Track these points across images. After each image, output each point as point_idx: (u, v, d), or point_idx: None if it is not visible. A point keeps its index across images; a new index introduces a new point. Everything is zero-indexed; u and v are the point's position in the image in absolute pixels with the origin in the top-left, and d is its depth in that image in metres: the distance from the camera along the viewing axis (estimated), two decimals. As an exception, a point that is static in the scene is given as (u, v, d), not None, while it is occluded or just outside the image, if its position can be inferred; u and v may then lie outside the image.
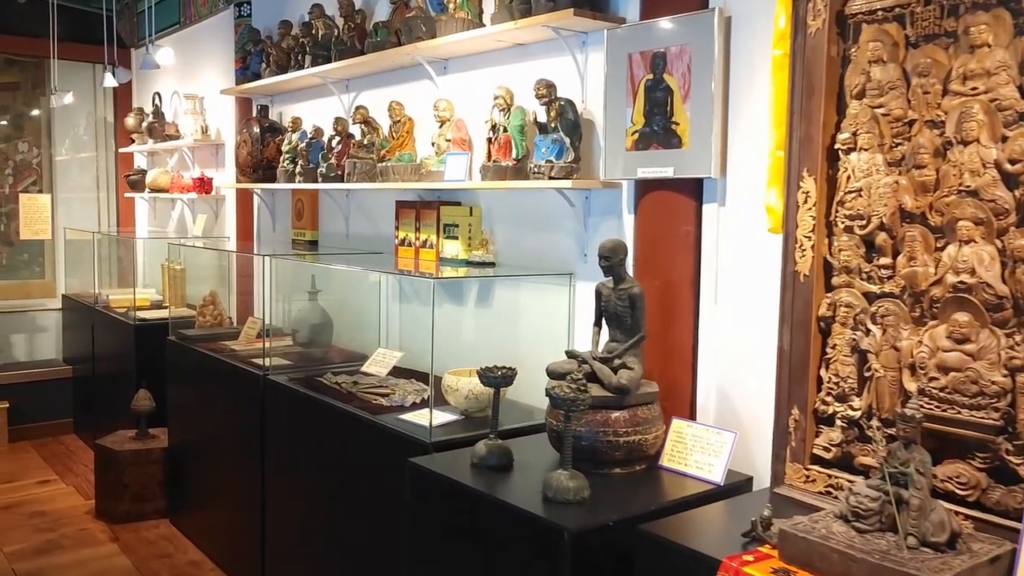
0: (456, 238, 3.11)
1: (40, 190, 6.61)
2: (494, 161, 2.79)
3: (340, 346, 3.77)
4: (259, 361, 3.56)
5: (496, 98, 2.81)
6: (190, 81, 5.47)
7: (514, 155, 2.76)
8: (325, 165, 3.70)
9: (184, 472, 4.16)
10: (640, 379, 2.21)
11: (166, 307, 5.26)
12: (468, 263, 3.05)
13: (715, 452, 2.14)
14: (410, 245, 3.33)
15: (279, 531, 3.30)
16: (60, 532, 4.17)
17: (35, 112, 6.57)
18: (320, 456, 2.98)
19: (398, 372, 3.20)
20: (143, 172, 6.08)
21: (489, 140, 2.84)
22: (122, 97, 6.54)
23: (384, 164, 3.35)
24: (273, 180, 4.32)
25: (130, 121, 6.02)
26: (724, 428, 2.17)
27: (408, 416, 2.71)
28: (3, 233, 6.57)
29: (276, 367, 3.46)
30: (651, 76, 2.37)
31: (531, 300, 2.94)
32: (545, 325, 2.86)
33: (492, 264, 3.01)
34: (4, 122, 6.46)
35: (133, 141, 6.07)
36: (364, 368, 3.40)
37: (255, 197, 4.74)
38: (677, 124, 2.31)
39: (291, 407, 3.18)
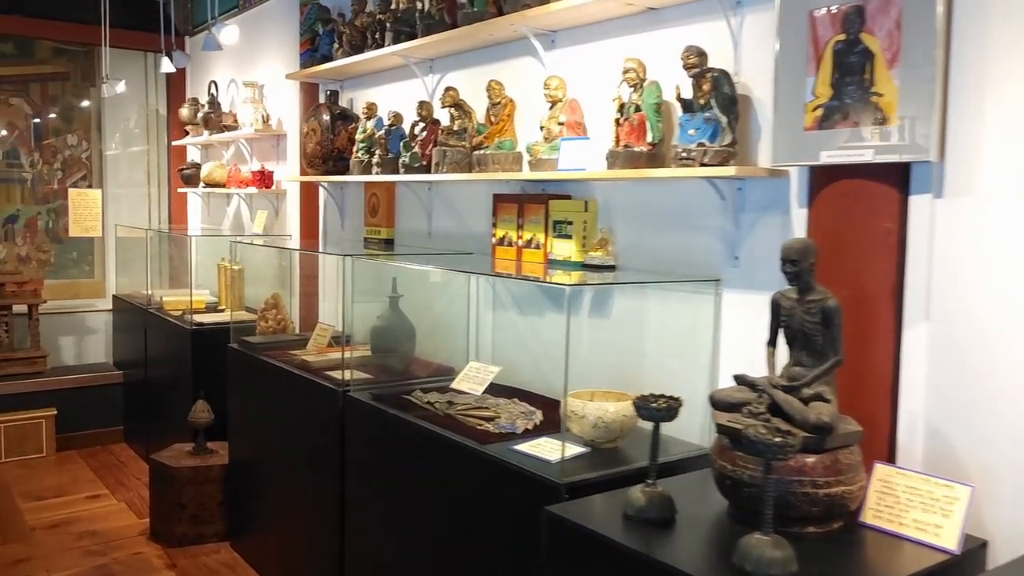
0: (569, 237, 2.68)
1: (90, 185, 6.33)
2: (625, 146, 2.35)
3: (423, 357, 3.36)
4: (335, 374, 3.17)
5: (626, 72, 2.38)
6: (249, 68, 5.11)
7: (649, 139, 2.33)
8: (408, 155, 3.30)
9: (246, 492, 3.79)
10: (837, 414, 1.76)
11: (222, 309, 4.92)
12: (584, 266, 2.62)
13: (943, 510, 1.68)
14: (511, 245, 2.91)
15: (360, 565, 2.90)
16: (112, 556, 3.82)
17: (84, 104, 6.28)
18: (415, 487, 2.57)
19: (493, 390, 2.79)
20: (197, 166, 5.75)
21: (617, 122, 2.41)
22: (175, 87, 6.23)
23: (480, 152, 2.93)
24: (344, 172, 3.93)
25: (184, 112, 5.69)
26: (954, 480, 1.71)
27: (524, 447, 2.29)
28: (51, 230, 6.30)
29: (356, 381, 3.06)
30: (843, 37, 1.91)
31: (663, 311, 2.50)
32: (683, 341, 2.42)
33: (612, 268, 2.58)
34: (52, 115, 6.18)
35: (187, 133, 5.75)
36: (455, 384, 3.00)
37: (321, 192, 4.36)
38: (880, 95, 1.85)
39: (377, 429, 2.77)
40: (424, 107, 3.32)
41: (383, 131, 3.51)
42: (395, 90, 3.74)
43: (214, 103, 5.37)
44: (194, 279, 5.97)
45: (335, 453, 2.98)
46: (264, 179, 4.72)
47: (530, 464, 2.16)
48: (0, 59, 6.03)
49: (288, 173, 4.71)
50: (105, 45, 5.32)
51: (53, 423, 5.30)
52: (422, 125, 3.33)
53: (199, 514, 3.95)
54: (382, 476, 2.75)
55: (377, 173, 3.50)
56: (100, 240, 6.31)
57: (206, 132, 5.37)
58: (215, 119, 5.31)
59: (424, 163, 3.28)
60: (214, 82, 5.40)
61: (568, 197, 2.77)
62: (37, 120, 6.14)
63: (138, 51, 6.20)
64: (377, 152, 3.53)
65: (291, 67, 4.52)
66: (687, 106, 2.22)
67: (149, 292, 5.34)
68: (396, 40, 3.35)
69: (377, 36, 3.55)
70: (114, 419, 5.61)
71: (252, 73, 5.05)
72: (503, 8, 2.79)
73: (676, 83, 2.25)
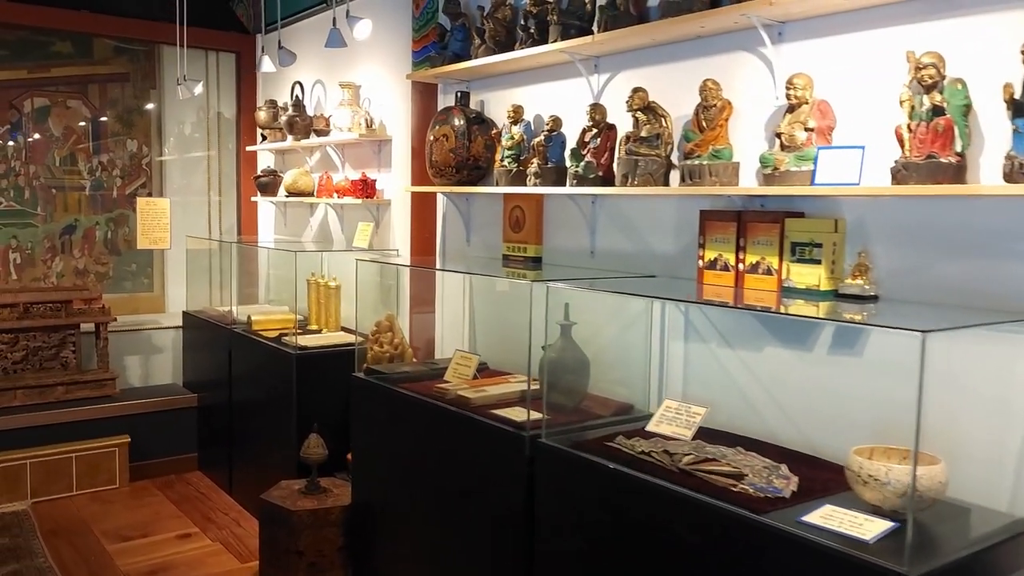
0: (816, 262, 2.29)
1: (150, 193, 5.95)
2: (928, 156, 1.97)
3: (598, 394, 2.97)
4: (506, 413, 2.79)
5: (922, 68, 2.00)
6: (339, 68, 4.72)
7: (958, 148, 1.95)
8: (581, 165, 2.92)
9: (373, 539, 3.40)
10: None
11: (314, 330, 4.53)
12: (837, 296, 2.24)
13: None
14: (726, 269, 2.53)
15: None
16: (226, 610, 3.44)
17: (145, 107, 5.90)
18: (652, 562, 2.18)
19: (700, 434, 2.42)
20: (275, 173, 5.37)
21: (909, 128, 2.03)
22: (246, 89, 5.84)
23: (692, 162, 2.55)
24: (477, 182, 3.56)
25: (262, 115, 5.31)
26: None
27: (814, 518, 1.90)
28: (110, 241, 5.92)
29: (534, 422, 2.68)
30: None
31: (956, 353, 2.10)
32: (986, 393, 2.04)
33: (874, 298, 2.20)
34: (112, 118, 5.80)
35: (265, 138, 5.36)
36: (651, 427, 2.63)
37: (440, 203, 3.98)
38: None
39: (586, 484, 2.38)
40: (597, 110, 2.94)
41: (541, 137, 3.13)
42: (543, 91, 3.35)
43: (299, 106, 4.98)
44: (263, 294, 5.63)
45: (518, 508, 2.59)
46: (367, 188, 4.33)
47: (827, 541, 1.78)
48: (58, 59, 5.66)
49: (392, 182, 4.33)
50: (182, 45, 4.93)
51: (127, 451, 4.90)
52: (594, 131, 2.95)
53: (317, 561, 3.56)
54: (599, 545, 2.36)
55: (536, 184, 3.12)
56: (159, 252, 5.94)
57: (290, 137, 4.99)
58: (301, 123, 4.93)
59: (600, 174, 2.90)
60: (299, 83, 5.01)
61: (801, 214, 2.39)
62: (95, 124, 5.76)
63: (199, 50, 5.82)
64: (534, 161, 3.15)
65: (397, 66, 4.15)
66: (1020, 109, 1.84)
67: (233, 309, 4.94)
68: (566, 35, 2.96)
69: (532, 30, 3.16)
70: (187, 446, 5.22)
71: (345, 73, 4.66)
72: (726, -3, 2.40)
73: (1006, 81, 1.87)
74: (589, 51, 3.00)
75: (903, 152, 2.03)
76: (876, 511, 1.92)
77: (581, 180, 2.91)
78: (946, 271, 2.11)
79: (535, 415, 2.73)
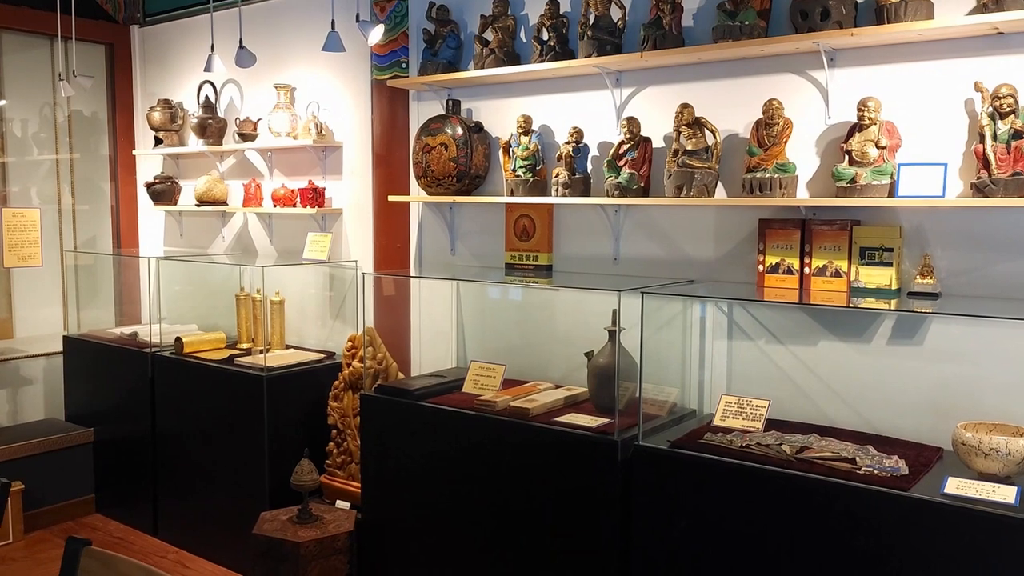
0: (888, 264, 2.60)
1: (-6, 201, 5.15)
2: (1014, 174, 2.32)
3: (648, 396, 3.08)
4: (569, 420, 2.84)
5: (1000, 98, 2.36)
6: (260, 69, 4.35)
7: (1038, 166, 2.32)
8: (624, 176, 3.03)
9: (389, 562, 3.28)
10: None
11: (245, 349, 4.23)
12: (910, 295, 2.56)
13: None
14: (790, 272, 2.77)
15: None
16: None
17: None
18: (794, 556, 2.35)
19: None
20: (171, 180, 4.89)
21: (993, 150, 2.37)
22: (121, 86, 5.23)
23: (756, 175, 2.75)
24: (473, 191, 3.55)
25: (157, 116, 4.81)
26: None
27: (948, 488, 2.18)
28: (-57, 260, 5.05)
29: (622, 428, 2.76)
30: None
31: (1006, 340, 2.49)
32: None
33: (939, 295, 2.54)
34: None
35: (160, 141, 4.86)
36: (717, 421, 2.82)
37: (415, 213, 3.88)
38: None
39: (699, 485, 2.50)
40: (633, 123, 3.06)
41: (570, 148, 3.19)
42: (552, 102, 3.41)
43: (210, 107, 4.59)
44: (150, 311, 5.11)
45: (610, 514, 2.66)
46: (316, 197, 4.11)
47: (992, 508, 2.07)
48: None
49: (344, 190, 4.15)
50: (67, 36, 4.35)
51: (19, 500, 4.25)
52: (630, 144, 3.07)
53: (326, 594, 3.37)
54: (719, 543, 2.49)
55: (563, 194, 3.18)
56: (5, 272, 5.17)
57: (200, 141, 4.59)
58: (215, 126, 4.55)
59: (642, 185, 3.03)
60: (210, 83, 4.61)
61: (858, 223, 2.69)
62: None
63: (41, 37, 5.13)
64: (561, 171, 3.20)
65: (346, 69, 4.00)
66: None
67: (158, 331, 4.43)
68: (601, 51, 3.05)
69: (552, 43, 3.22)
70: (83, 487, 4.62)
71: (271, 75, 4.36)
72: (796, 25, 2.64)
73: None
74: (617, 66, 3.12)
75: (987, 170, 2.37)
76: (993, 479, 2.23)
77: (626, 192, 3.02)
78: (1002, 270, 2.49)
79: (602, 420, 2.82)
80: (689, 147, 2.91)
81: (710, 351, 3.04)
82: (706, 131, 2.92)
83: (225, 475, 3.90)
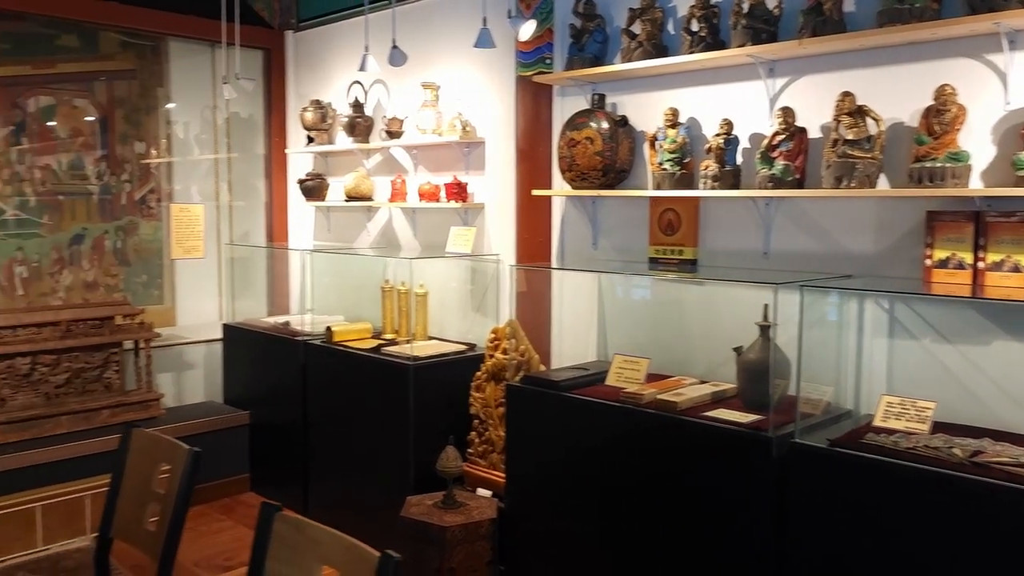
0: (1075, 259, 2.42)
1: (159, 199, 5.55)
2: None
3: (792, 393, 3.01)
4: (719, 415, 2.79)
5: None
6: (408, 69, 4.50)
7: None
8: (779, 168, 2.96)
9: (529, 553, 3.33)
10: None
11: (390, 339, 4.38)
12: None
13: None
14: (961, 267, 2.63)
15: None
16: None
17: (153, 106, 5.49)
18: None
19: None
20: (320, 177, 5.13)
21: None
22: (276, 89, 5.53)
23: (926, 165, 2.63)
24: (617, 185, 3.54)
25: (309, 116, 5.05)
26: None
27: None
28: (119, 251, 5.48)
29: (775, 425, 2.70)
30: None
31: None
32: None
33: None
34: (111, 118, 5.38)
35: (312, 140, 5.11)
36: (877, 422, 2.70)
37: (558, 207, 3.92)
38: None
39: (860, 485, 2.41)
40: (788, 114, 2.98)
41: (720, 140, 3.14)
42: (701, 94, 3.36)
43: (358, 106, 4.79)
44: (303, 302, 5.37)
45: (763, 511, 2.60)
46: (460, 192, 4.21)
47: None
48: (63, 53, 5.19)
49: (486, 185, 4.23)
50: (231, 43, 4.64)
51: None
52: (785, 135, 2.99)
53: (469, 578, 3.45)
54: (881, 545, 2.40)
55: (712, 187, 3.13)
56: (170, 263, 5.56)
57: (350, 139, 4.79)
58: (363, 124, 4.74)
59: (797, 176, 2.95)
60: (359, 83, 4.81)
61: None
62: (103, 124, 5.32)
63: (203, 43, 5.48)
64: (710, 164, 3.16)
65: (490, 66, 4.08)
66: None
67: (310, 321, 4.67)
68: (756, 39, 2.99)
69: (703, 33, 3.18)
70: (239, 466, 4.92)
71: (407, 74, 4.49)
72: (975, 6, 2.50)
73: None
74: (773, 55, 3.04)
75: None
76: None
77: (780, 183, 2.94)
78: None
79: (753, 416, 2.76)
80: (850, 136, 2.81)
81: (869, 349, 2.92)
82: (868, 120, 2.81)
83: (371, 458, 4.05)
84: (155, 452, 2.45)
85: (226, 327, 5.14)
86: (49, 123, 5.06)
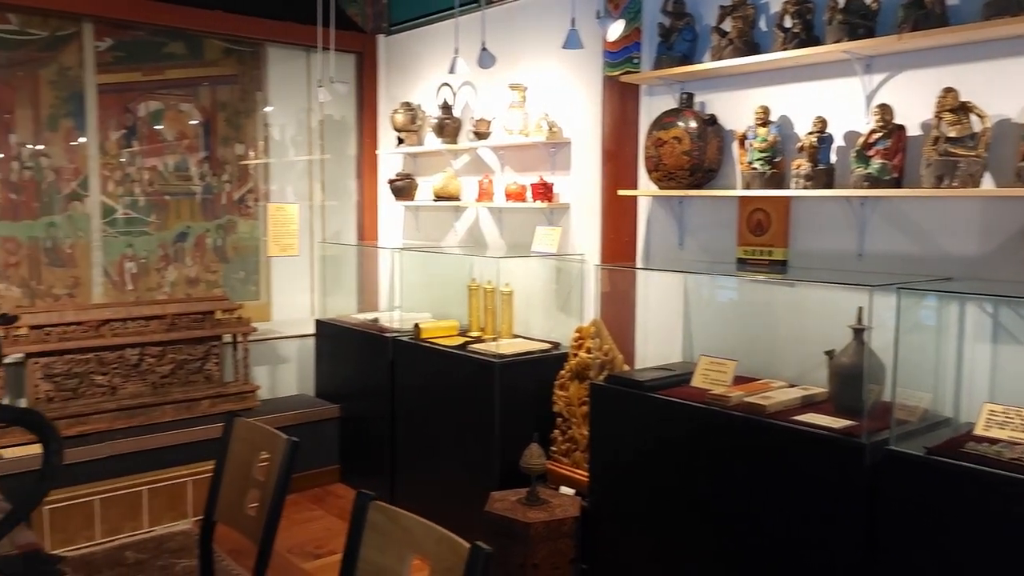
0: None
1: (256, 199, 5.77)
2: None
3: (887, 399, 2.92)
4: (809, 419, 2.74)
5: None
6: (496, 70, 4.55)
7: None
8: (876, 166, 2.88)
9: (611, 551, 3.33)
10: None
11: (476, 337, 4.44)
12: None
13: None
14: (1073, 270, 2.51)
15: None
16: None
17: (252, 109, 5.71)
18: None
19: None
20: (409, 177, 5.25)
21: None
22: (367, 92, 5.69)
23: (1034, 163, 2.52)
24: (705, 184, 3.50)
25: (399, 118, 5.18)
26: None
27: None
28: (219, 248, 5.73)
29: (840, 429, 2.63)
30: None
31: None
32: None
33: None
34: (213, 122, 5.61)
35: (402, 141, 5.23)
36: (979, 430, 2.60)
37: (643, 207, 3.91)
38: None
39: (958, 497, 2.34)
40: (886, 111, 2.90)
41: (813, 138, 3.08)
42: (792, 91, 3.30)
43: (447, 108, 4.88)
44: (392, 299, 5.49)
45: (852, 519, 2.54)
46: (546, 192, 4.24)
47: None
48: (170, 60, 5.46)
49: (571, 185, 4.25)
50: (326, 47, 4.79)
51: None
52: (882, 132, 2.91)
53: (552, 574, 3.48)
54: (985, 560, 2.32)
55: (804, 187, 3.07)
56: (265, 260, 5.77)
57: (439, 140, 4.88)
58: (451, 125, 4.83)
59: (895, 175, 2.87)
60: (448, 85, 4.90)
61: None
62: (206, 127, 5.57)
63: (298, 48, 5.66)
64: (801, 163, 3.10)
65: (578, 68, 4.10)
66: None
67: (398, 317, 4.80)
68: (853, 35, 2.92)
69: (797, 30, 3.12)
70: (329, 458, 5.09)
71: (494, 75, 4.54)
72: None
73: None
74: (871, 51, 2.96)
75: None
76: None
77: (876, 183, 2.86)
78: None
79: (845, 421, 2.70)
80: (952, 134, 2.72)
81: (970, 355, 2.82)
82: (972, 116, 2.71)
83: (456, 453, 4.13)
84: (255, 440, 2.56)
85: (318, 323, 5.32)
86: (157, 127, 5.32)
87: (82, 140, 4.98)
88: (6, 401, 4.29)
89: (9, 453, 3.95)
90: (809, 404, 3.01)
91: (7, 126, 4.74)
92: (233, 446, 2.62)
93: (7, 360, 4.29)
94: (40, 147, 4.82)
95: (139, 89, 5.33)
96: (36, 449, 3.95)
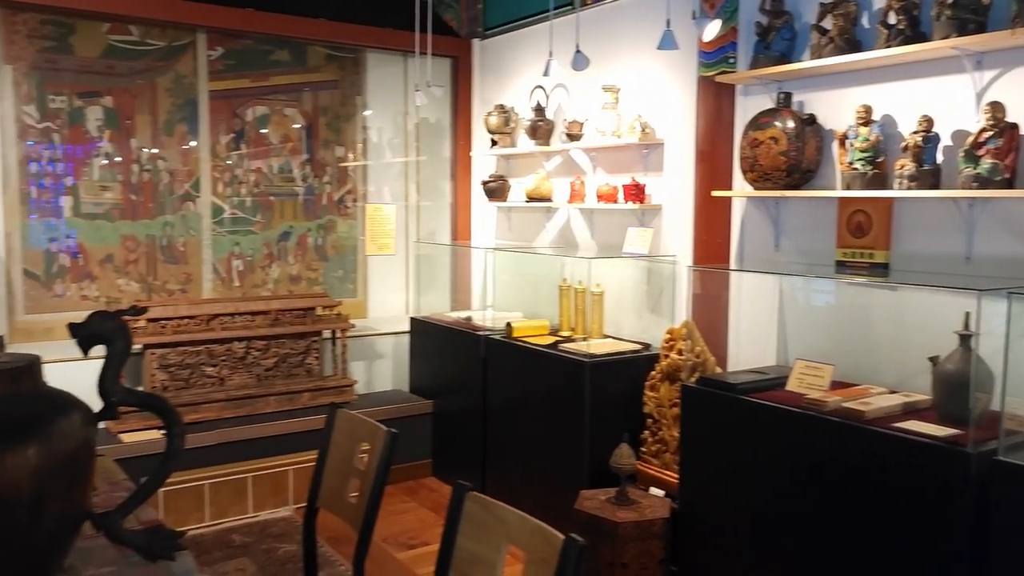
0: None
1: (355, 199, 5.96)
2: None
3: (994, 408, 2.82)
4: (910, 427, 2.66)
5: None
6: (590, 71, 4.57)
7: None
8: (986, 167, 2.78)
9: (700, 555, 3.31)
10: None
11: (566, 336, 4.47)
12: None
13: None
14: None
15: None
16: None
17: (352, 113, 5.90)
18: None
19: None
20: (502, 178, 5.33)
21: None
22: (462, 95, 5.81)
23: None
24: (802, 185, 3.44)
25: (493, 120, 5.26)
26: None
27: None
28: (319, 247, 5.94)
29: (944, 438, 2.55)
30: None
31: None
32: None
33: None
34: (315, 125, 5.82)
35: (495, 143, 5.32)
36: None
37: (737, 208, 3.87)
38: None
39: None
40: (998, 109, 2.80)
41: (919, 138, 2.99)
42: (894, 89, 3.22)
43: (540, 110, 4.94)
44: (485, 298, 5.58)
45: (959, 530, 2.46)
46: (639, 193, 4.25)
47: None
48: (276, 67, 5.70)
49: (664, 186, 4.24)
50: (424, 52, 4.92)
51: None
52: (993, 131, 2.80)
53: (640, 574, 3.49)
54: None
55: (909, 188, 2.99)
56: (363, 258, 5.95)
57: (532, 142, 4.94)
58: (544, 127, 4.88)
59: (1007, 176, 2.76)
60: (541, 87, 4.96)
61: None
62: (308, 131, 5.79)
63: (396, 54, 5.81)
64: (906, 163, 3.02)
65: (672, 69, 4.08)
66: None
67: (491, 317, 4.90)
68: (962, 31, 2.83)
69: (902, 26, 3.04)
70: (422, 452, 5.22)
71: (586, 77, 4.55)
72: None
73: None
74: (981, 47, 2.86)
75: None
76: None
77: (986, 183, 2.77)
78: None
79: (949, 430, 2.62)
80: (1070, 133, 2.60)
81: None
82: (1092, 114, 2.58)
83: (546, 451, 4.18)
84: (357, 431, 2.67)
85: (413, 320, 5.46)
86: (263, 131, 5.57)
87: (194, 144, 5.26)
88: (125, 389, 4.58)
89: (129, 438, 4.22)
90: (910, 411, 2.92)
91: (128, 132, 5.06)
92: (335, 436, 2.73)
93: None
94: (157, 151, 5.12)
95: (247, 95, 5.60)
96: (152, 435, 4.22)
